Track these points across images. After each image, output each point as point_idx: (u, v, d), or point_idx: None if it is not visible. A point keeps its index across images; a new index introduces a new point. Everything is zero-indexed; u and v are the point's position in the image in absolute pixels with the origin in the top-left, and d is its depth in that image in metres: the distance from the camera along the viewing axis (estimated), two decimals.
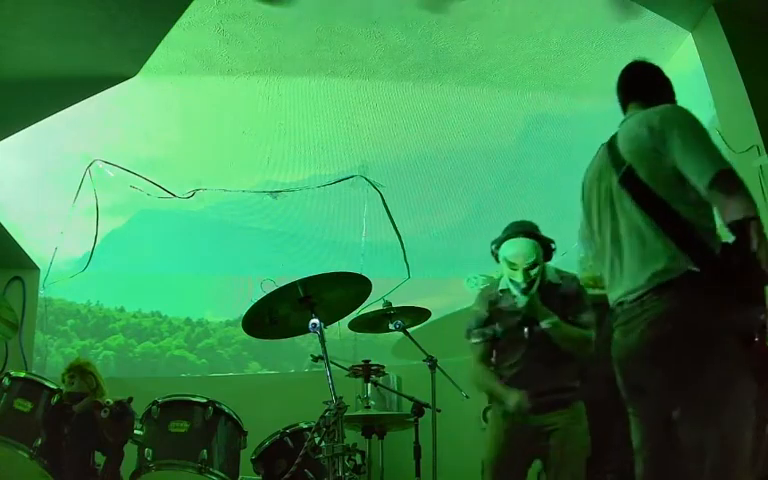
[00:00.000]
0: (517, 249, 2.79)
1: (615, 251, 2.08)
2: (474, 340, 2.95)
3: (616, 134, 2.17)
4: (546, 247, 2.83)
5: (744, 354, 1.82)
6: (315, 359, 3.12)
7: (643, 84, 2.25)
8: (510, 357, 2.85)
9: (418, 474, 3.19)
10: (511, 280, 2.81)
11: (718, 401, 1.81)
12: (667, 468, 1.93)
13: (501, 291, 2.93)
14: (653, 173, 1.98)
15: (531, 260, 2.76)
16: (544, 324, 2.75)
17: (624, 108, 2.27)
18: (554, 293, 2.83)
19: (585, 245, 2.37)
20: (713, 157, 1.91)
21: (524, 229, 2.85)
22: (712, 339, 1.83)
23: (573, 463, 2.66)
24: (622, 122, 2.20)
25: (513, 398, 2.70)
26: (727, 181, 1.88)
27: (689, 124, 1.98)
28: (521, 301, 2.77)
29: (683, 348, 1.86)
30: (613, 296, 2.11)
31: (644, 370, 1.96)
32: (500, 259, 2.86)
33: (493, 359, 2.93)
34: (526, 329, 2.77)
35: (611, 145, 2.16)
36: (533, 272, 2.76)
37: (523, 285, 2.75)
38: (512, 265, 2.79)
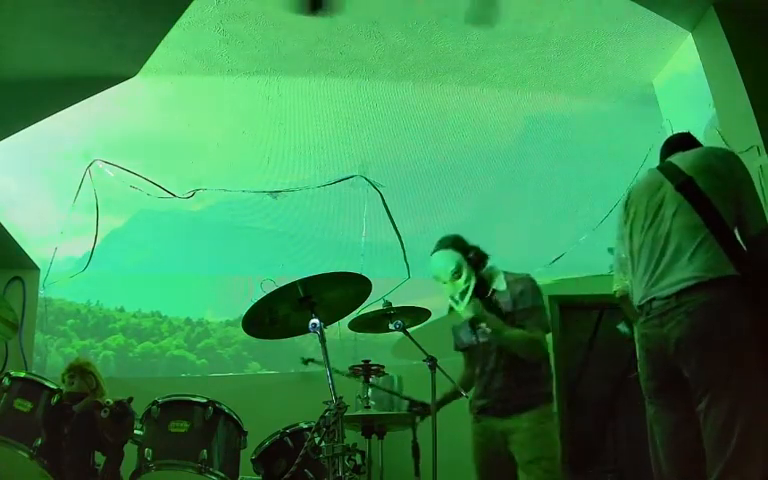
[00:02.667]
0: (436, 264, 2.88)
1: (655, 251, 2.23)
2: (457, 349, 3.16)
3: (669, 160, 2.38)
4: (470, 254, 2.86)
5: None
6: (306, 362, 3.16)
7: (686, 142, 2.50)
8: (479, 366, 2.97)
9: (417, 473, 3.18)
10: (450, 298, 2.87)
11: (744, 394, 1.96)
12: (697, 458, 2.04)
13: (492, 291, 2.97)
14: (713, 188, 2.19)
15: (451, 269, 2.82)
16: (479, 333, 2.86)
17: (665, 158, 2.47)
18: (502, 299, 2.87)
19: (619, 253, 2.56)
20: (763, 214, 2.21)
21: (441, 244, 2.92)
22: (745, 335, 2.00)
23: (540, 464, 2.70)
24: (666, 161, 2.42)
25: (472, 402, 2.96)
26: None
27: (749, 175, 2.27)
28: (461, 311, 2.84)
29: (718, 341, 2.01)
30: (644, 294, 2.25)
31: (679, 359, 2.09)
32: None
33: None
34: (473, 338, 2.92)
35: (665, 167, 2.36)
36: (459, 282, 2.82)
37: (456, 295, 2.82)
38: (438, 280, 2.88)
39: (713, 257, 2.10)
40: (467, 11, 2.43)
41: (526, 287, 2.89)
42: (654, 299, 2.19)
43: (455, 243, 2.89)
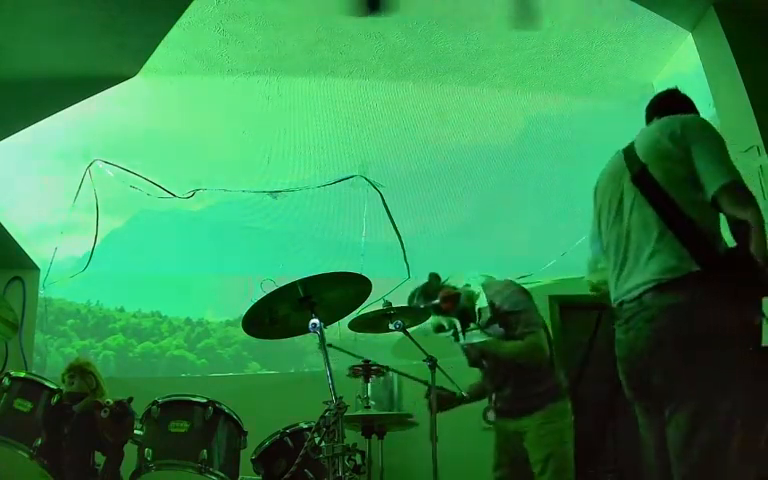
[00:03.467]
0: (427, 321, 3.03)
1: (620, 250, 2.10)
2: None
3: (633, 141, 2.19)
4: (436, 304, 2.96)
5: (742, 355, 1.81)
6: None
7: (667, 101, 2.32)
8: (491, 375, 3.07)
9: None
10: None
11: (711, 401, 1.81)
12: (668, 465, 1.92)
13: (478, 310, 3.05)
14: (667, 174, 2.02)
15: (433, 324, 3.01)
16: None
17: (648, 123, 2.31)
18: (492, 312, 2.94)
19: (594, 247, 2.38)
20: (729, 167, 1.99)
21: (415, 304, 3.04)
22: (710, 339, 1.83)
23: (549, 463, 2.75)
24: (630, 142, 2.22)
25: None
26: (737, 190, 1.95)
27: (710, 132, 2.05)
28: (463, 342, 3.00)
29: (681, 346, 1.86)
30: (615, 296, 2.12)
31: (645, 367, 1.97)
32: None
33: None
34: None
35: (628, 149, 2.18)
36: (444, 332, 2.99)
37: (452, 337, 2.99)
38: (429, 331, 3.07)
39: (672, 255, 1.93)
40: (512, 18, 2.42)
41: (506, 294, 2.94)
42: (623, 302, 2.06)
43: (417, 309, 3.00)
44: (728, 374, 1.81)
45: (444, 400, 3.12)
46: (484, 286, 2.98)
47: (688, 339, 1.86)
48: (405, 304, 3.22)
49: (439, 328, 3.03)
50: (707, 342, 1.83)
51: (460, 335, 2.93)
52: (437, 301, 2.94)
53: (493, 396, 3.07)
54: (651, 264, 1.96)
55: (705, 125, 2.08)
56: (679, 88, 2.37)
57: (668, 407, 1.90)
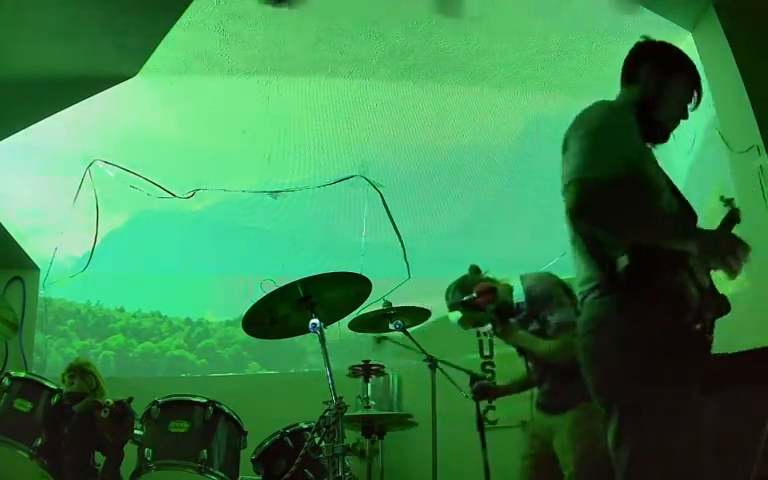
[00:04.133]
0: (457, 324, 2.92)
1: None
2: None
3: None
4: (466, 301, 2.83)
5: (658, 363, 1.67)
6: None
7: (623, 68, 2.02)
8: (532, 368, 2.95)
9: (484, 446, 2.99)
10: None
11: (627, 417, 1.68)
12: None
13: (517, 304, 2.91)
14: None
15: (468, 328, 2.92)
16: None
17: None
18: (527, 305, 2.81)
19: None
20: (580, 164, 1.74)
21: (452, 304, 2.91)
22: (617, 353, 1.71)
23: (584, 466, 2.57)
24: None
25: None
26: (577, 192, 1.71)
27: (584, 129, 1.81)
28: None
29: (595, 357, 1.78)
30: None
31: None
32: None
33: None
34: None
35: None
36: (482, 329, 3.04)
37: (490, 333, 3.02)
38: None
39: (584, 266, 1.82)
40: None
41: (541, 288, 2.80)
42: None
43: (452, 306, 2.89)
44: (644, 384, 1.67)
45: (488, 390, 3.06)
46: (521, 278, 2.87)
47: (599, 349, 1.76)
48: (405, 304, 3.22)
49: (476, 323, 2.91)
50: (615, 352, 1.71)
51: (497, 328, 2.79)
52: (474, 295, 2.79)
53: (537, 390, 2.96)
54: (578, 275, 1.88)
55: (582, 120, 1.86)
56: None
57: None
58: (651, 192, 1.79)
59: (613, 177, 1.67)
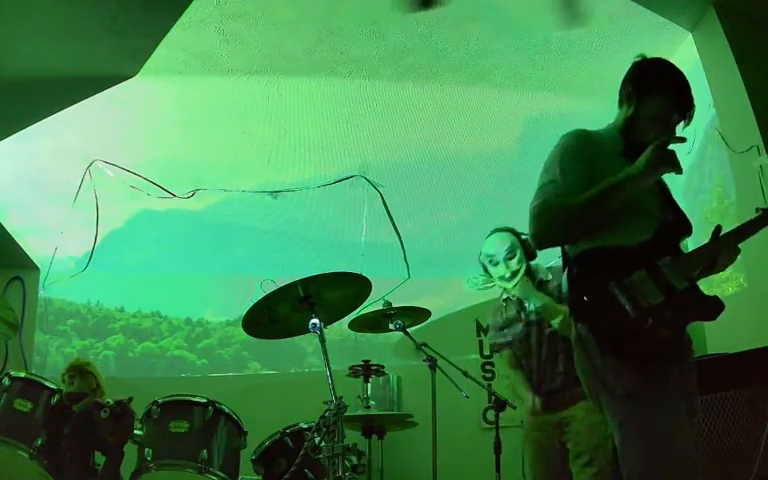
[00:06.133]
0: (492, 243, 2.96)
1: None
2: (497, 350, 3.09)
3: None
4: (525, 243, 2.92)
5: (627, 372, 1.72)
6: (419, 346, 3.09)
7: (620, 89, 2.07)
8: (527, 362, 2.91)
9: (498, 470, 2.94)
10: (499, 279, 2.93)
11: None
12: None
13: (504, 301, 3.02)
14: None
15: (507, 247, 2.91)
16: (528, 313, 2.86)
17: None
18: (548, 288, 2.88)
19: None
20: (537, 190, 1.87)
21: (496, 229, 3.01)
22: (588, 355, 1.79)
23: (594, 453, 2.59)
24: None
25: (528, 402, 2.86)
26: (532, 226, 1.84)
27: (553, 151, 1.93)
28: (510, 286, 2.90)
29: (578, 363, 1.88)
30: None
31: None
32: (485, 266, 2.98)
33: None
34: (527, 325, 2.88)
35: None
36: (513, 262, 2.89)
37: (507, 274, 2.89)
38: (492, 259, 2.94)
39: (564, 275, 1.90)
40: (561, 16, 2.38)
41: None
42: None
43: (510, 229, 2.98)
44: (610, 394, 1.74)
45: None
46: (552, 269, 2.93)
47: (580, 369, 1.86)
48: (405, 304, 3.22)
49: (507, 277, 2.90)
50: (591, 372, 1.79)
51: (518, 277, 2.87)
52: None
53: (534, 389, 2.86)
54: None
55: (553, 149, 1.96)
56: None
57: None
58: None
59: (561, 196, 1.81)
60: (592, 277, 1.79)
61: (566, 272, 1.86)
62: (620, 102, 2.03)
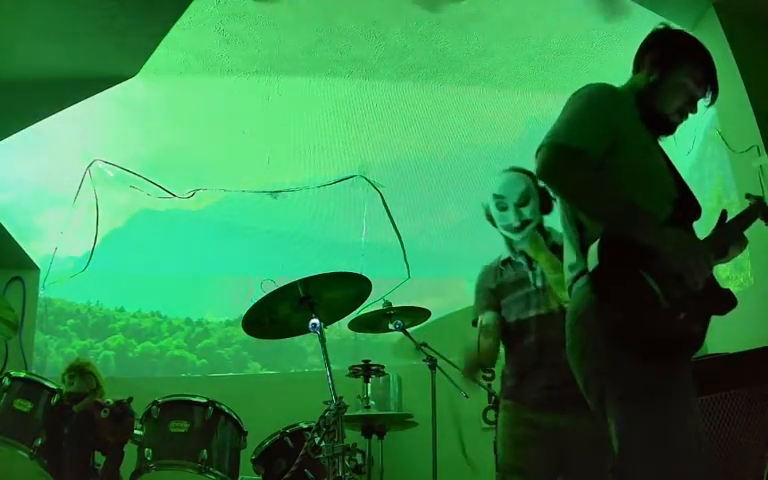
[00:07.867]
0: (504, 181, 2.44)
1: None
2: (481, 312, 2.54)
3: None
4: (543, 192, 2.41)
5: (633, 351, 1.59)
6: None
7: (635, 56, 1.95)
8: (520, 343, 2.40)
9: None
10: (504, 228, 2.43)
11: (607, 415, 1.62)
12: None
13: (503, 262, 2.57)
14: None
15: (521, 191, 2.38)
16: (537, 275, 2.39)
17: None
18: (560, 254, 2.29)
19: None
20: (560, 128, 1.69)
21: (514, 167, 2.48)
22: (592, 342, 1.65)
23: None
24: None
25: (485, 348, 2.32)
26: (545, 154, 1.65)
27: (575, 96, 1.77)
28: (517, 240, 2.42)
29: (576, 352, 1.72)
30: None
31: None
32: (489, 211, 2.51)
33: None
34: (532, 295, 2.40)
35: None
36: (526, 210, 2.37)
37: (516, 223, 2.38)
38: (500, 200, 2.42)
39: (569, 253, 1.77)
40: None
41: None
42: None
43: (527, 171, 2.43)
44: (617, 383, 1.61)
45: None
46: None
47: (578, 344, 1.70)
48: (405, 304, 3.22)
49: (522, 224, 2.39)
50: (593, 349, 1.65)
51: (528, 230, 2.39)
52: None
53: (525, 377, 2.38)
54: (566, 261, 1.82)
55: (574, 93, 1.80)
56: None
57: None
58: (631, 178, 1.70)
59: (581, 149, 1.64)
60: (625, 258, 1.59)
61: (597, 245, 1.61)
62: (638, 67, 1.91)
